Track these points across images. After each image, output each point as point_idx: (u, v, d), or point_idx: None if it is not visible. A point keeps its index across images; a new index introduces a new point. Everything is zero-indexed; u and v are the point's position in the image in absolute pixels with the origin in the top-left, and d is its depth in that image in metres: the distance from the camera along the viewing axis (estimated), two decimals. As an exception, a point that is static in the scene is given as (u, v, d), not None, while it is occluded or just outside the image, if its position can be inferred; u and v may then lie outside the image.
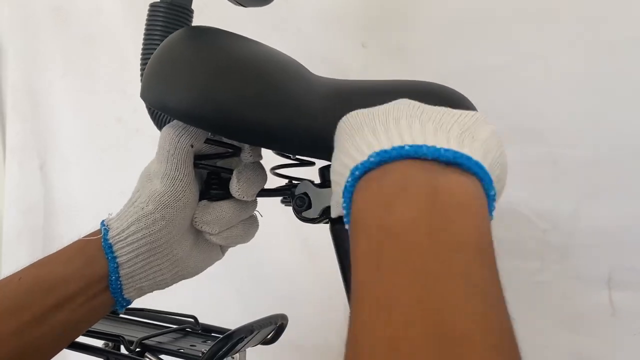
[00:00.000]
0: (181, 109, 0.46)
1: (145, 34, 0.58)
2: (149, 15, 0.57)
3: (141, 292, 0.52)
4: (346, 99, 0.50)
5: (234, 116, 0.46)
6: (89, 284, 0.48)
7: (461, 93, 0.52)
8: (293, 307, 0.77)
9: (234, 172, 0.53)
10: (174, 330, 0.66)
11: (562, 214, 0.82)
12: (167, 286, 0.53)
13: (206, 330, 0.69)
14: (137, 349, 0.60)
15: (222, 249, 0.57)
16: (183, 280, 1.20)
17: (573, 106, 0.80)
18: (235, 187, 0.52)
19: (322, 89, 0.51)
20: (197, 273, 0.55)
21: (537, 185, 0.83)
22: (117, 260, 0.49)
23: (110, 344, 0.68)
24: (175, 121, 0.51)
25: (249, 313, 0.66)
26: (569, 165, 0.81)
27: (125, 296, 0.50)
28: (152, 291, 0.52)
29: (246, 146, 0.53)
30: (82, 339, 0.64)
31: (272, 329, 0.65)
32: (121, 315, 0.74)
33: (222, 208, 0.53)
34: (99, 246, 0.49)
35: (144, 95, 0.50)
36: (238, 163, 0.55)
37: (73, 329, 0.48)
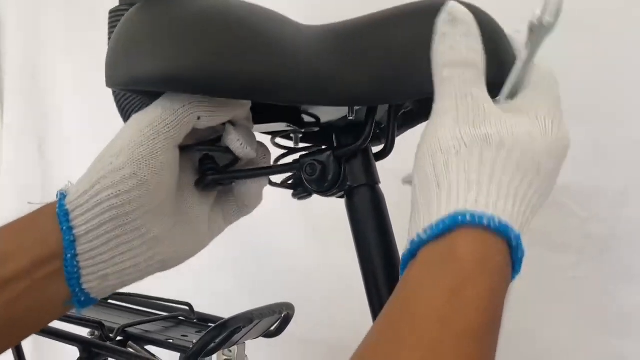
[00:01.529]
0: (154, 75, 0.41)
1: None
2: (109, 23, 0.51)
3: (105, 284, 0.41)
4: (342, 36, 0.44)
5: (213, 70, 0.41)
6: (35, 263, 0.39)
7: (486, 13, 0.45)
8: (301, 298, 0.70)
9: (227, 126, 0.46)
10: (165, 318, 0.59)
11: (603, 202, 0.76)
12: (140, 278, 0.43)
13: (202, 320, 0.62)
14: (119, 338, 0.52)
15: (213, 234, 0.49)
16: (182, 268, 1.14)
17: (617, 79, 0.73)
18: (236, 140, 0.46)
19: (312, 32, 0.45)
20: (179, 262, 0.46)
21: (576, 169, 0.75)
22: (74, 232, 0.39)
23: (97, 332, 0.61)
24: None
25: (254, 304, 0.61)
26: (612, 146, 0.75)
27: (83, 286, 0.40)
28: (120, 285, 0.43)
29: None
30: (56, 324, 0.57)
31: (275, 319, 0.58)
32: (110, 301, 0.67)
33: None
34: (54, 214, 0.40)
35: (109, 82, 0.45)
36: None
37: (15, 323, 0.39)
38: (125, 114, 0.51)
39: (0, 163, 1.38)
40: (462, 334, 0.30)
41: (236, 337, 0.53)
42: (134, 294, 0.65)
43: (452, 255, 0.32)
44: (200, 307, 0.68)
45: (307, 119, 0.52)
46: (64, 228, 0.39)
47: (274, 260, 1.04)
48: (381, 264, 0.47)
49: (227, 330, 0.50)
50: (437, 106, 0.38)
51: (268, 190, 0.53)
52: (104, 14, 1.26)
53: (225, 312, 0.65)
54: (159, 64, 0.41)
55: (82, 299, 0.41)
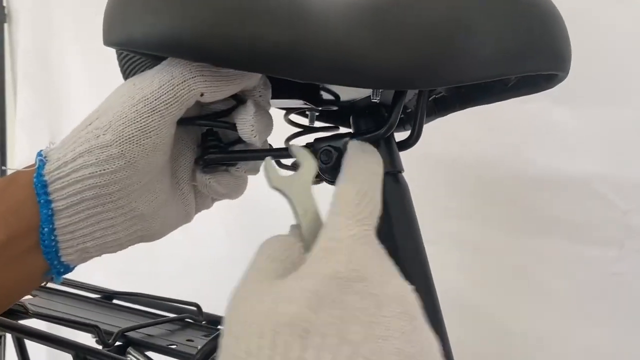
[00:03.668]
0: (151, 37, 0.36)
1: None
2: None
3: (85, 255, 0.39)
4: (379, 5, 0.38)
5: (218, 35, 0.35)
6: (12, 238, 0.36)
7: None
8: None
9: (246, 105, 0.41)
10: (170, 321, 0.54)
11: (647, 192, 0.72)
12: (121, 249, 0.41)
13: (211, 322, 0.57)
14: (118, 343, 0.47)
15: (197, 208, 0.46)
16: (200, 264, 1.09)
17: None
18: (249, 125, 0.40)
19: None
20: (161, 236, 0.43)
21: (619, 157, 0.73)
22: (52, 205, 0.36)
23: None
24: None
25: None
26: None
27: (62, 259, 0.38)
28: (100, 255, 0.40)
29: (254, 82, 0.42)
30: (49, 327, 0.53)
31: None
32: (114, 302, 0.63)
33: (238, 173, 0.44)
34: (30, 184, 0.36)
35: (105, 40, 0.40)
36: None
37: None
38: (127, 75, 0.46)
39: (13, 158, 1.36)
40: None
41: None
42: (138, 293, 0.61)
43: None
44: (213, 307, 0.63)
45: (325, 95, 0.47)
46: (42, 201, 0.36)
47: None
48: (406, 262, 0.41)
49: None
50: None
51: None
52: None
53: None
54: (158, 24, 0.36)
55: (61, 270, 0.39)
